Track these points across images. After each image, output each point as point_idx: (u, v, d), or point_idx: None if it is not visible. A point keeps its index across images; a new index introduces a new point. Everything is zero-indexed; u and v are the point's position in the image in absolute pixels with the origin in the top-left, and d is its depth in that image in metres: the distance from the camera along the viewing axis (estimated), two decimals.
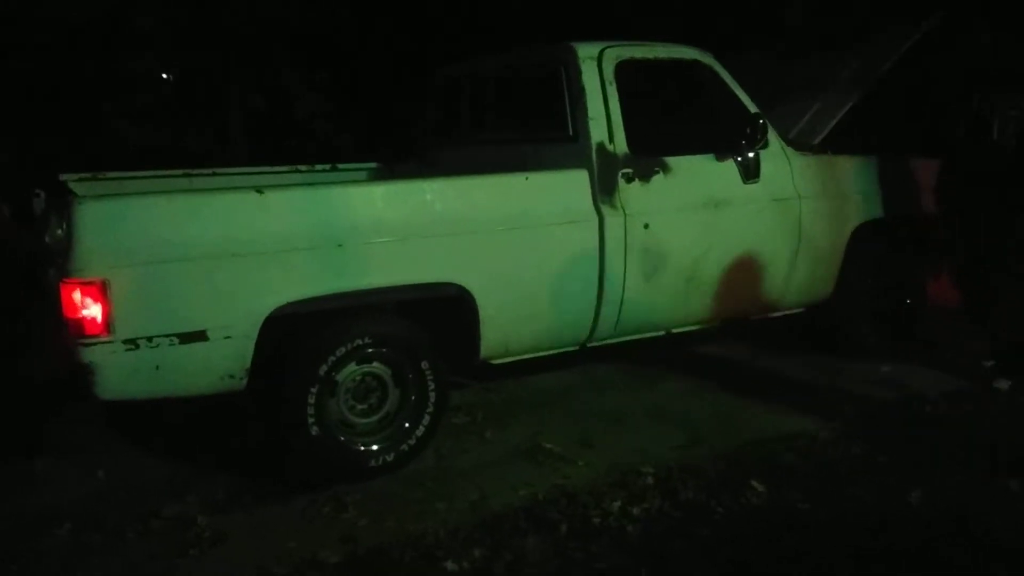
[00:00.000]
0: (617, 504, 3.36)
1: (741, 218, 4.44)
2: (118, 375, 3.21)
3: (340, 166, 5.17)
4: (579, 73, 4.12)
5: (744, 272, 4.53)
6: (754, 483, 3.50)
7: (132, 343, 3.19)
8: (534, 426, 4.22)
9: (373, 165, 5.33)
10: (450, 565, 2.96)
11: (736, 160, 4.39)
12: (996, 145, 4.44)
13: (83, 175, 4.37)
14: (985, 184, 4.48)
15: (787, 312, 4.92)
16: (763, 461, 3.72)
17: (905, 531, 3.10)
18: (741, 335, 5.14)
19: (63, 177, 4.34)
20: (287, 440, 3.63)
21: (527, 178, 3.96)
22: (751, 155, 4.38)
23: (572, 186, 4.05)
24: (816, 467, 3.67)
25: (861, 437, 3.96)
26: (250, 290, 3.36)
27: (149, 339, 3.22)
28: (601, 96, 4.12)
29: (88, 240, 3.12)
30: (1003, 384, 4.51)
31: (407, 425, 3.77)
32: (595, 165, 4.06)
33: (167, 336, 3.24)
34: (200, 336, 3.30)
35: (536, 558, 3.00)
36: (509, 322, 3.93)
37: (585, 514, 3.29)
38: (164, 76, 11.62)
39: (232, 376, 3.42)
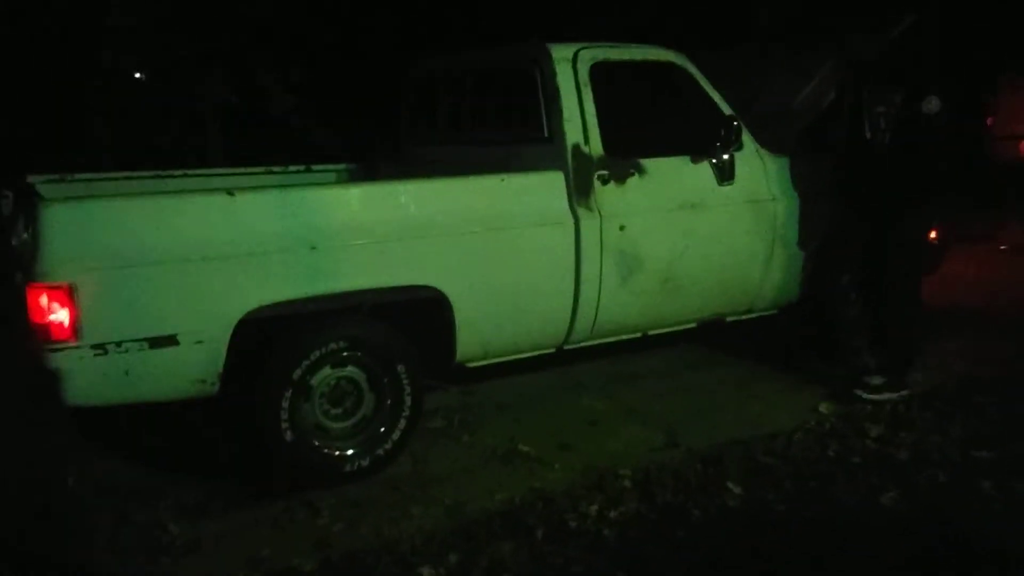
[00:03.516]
0: (594, 507, 3.35)
1: (716, 220, 4.45)
2: (87, 381, 3.15)
3: (314, 167, 5.12)
4: (554, 74, 4.10)
5: (720, 274, 4.54)
6: (731, 485, 3.50)
7: (101, 348, 3.13)
8: (511, 429, 4.20)
9: (349, 166, 5.28)
10: (426, 571, 2.94)
11: (711, 162, 4.40)
12: (868, 144, 4.27)
13: (51, 176, 4.29)
14: (865, 185, 4.31)
15: (762, 313, 4.93)
16: (740, 462, 3.73)
17: (881, 531, 3.11)
18: (718, 336, 5.14)
19: (30, 178, 4.25)
20: (261, 445, 3.58)
21: (502, 179, 3.95)
22: (726, 157, 4.39)
23: (547, 188, 4.03)
24: (793, 468, 3.68)
25: (837, 438, 3.98)
26: (221, 294, 3.31)
27: (118, 344, 3.16)
28: (576, 97, 4.11)
29: (55, 244, 3.06)
30: (876, 379, 4.44)
31: (382, 429, 3.73)
32: (570, 167, 4.05)
33: (137, 341, 3.19)
34: (171, 341, 3.25)
35: (513, 563, 2.99)
36: (485, 325, 3.91)
37: (562, 518, 3.28)
38: (137, 76, 11.47)
39: (204, 381, 3.37)
